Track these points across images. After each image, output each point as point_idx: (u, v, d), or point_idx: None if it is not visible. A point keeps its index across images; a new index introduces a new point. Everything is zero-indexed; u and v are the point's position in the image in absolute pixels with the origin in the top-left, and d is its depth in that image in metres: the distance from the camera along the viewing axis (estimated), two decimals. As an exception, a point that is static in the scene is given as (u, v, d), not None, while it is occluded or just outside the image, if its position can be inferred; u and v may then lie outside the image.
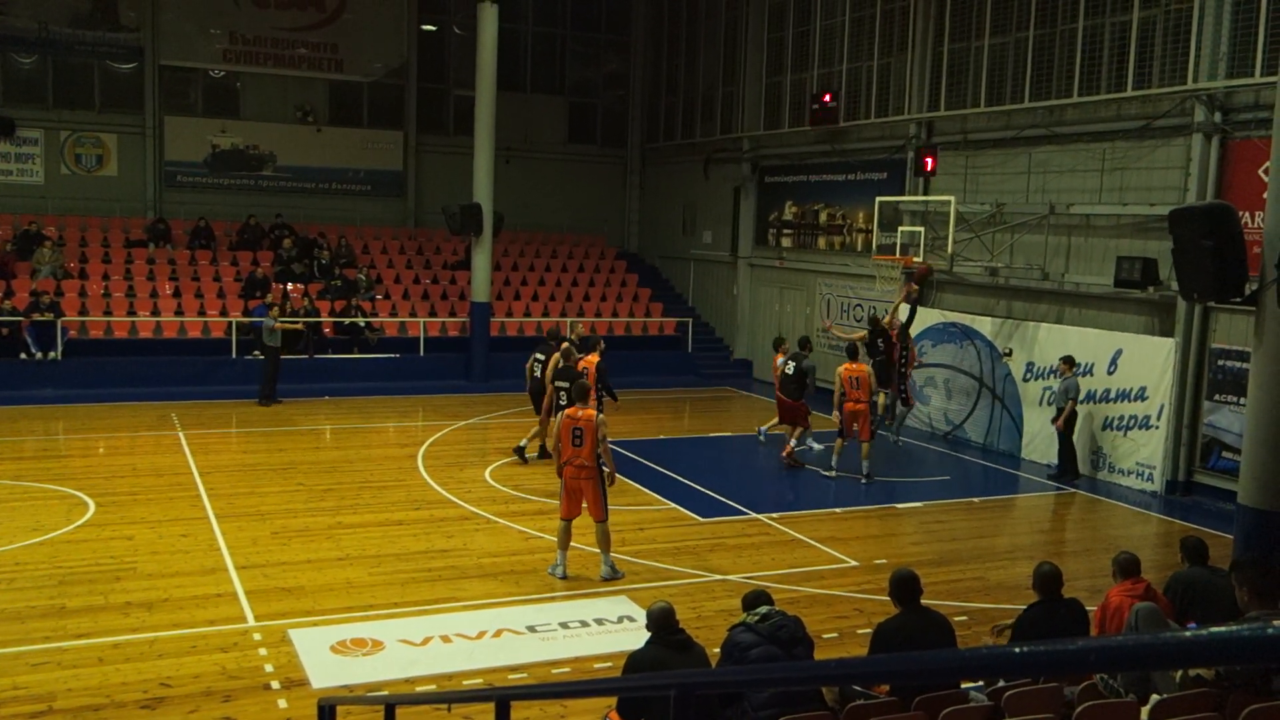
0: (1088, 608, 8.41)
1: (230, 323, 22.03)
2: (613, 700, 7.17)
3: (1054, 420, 16.12)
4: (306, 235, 25.55)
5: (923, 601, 6.78)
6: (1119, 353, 16.03)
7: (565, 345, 15.01)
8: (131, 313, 22.25)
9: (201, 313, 22.68)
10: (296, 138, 26.77)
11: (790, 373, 16.74)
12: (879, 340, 17.26)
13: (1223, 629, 1.29)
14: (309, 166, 26.90)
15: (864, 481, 15.33)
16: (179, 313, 22.56)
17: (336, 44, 26.83)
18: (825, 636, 9.30)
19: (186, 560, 10.86)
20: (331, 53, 26.84)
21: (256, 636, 9.04)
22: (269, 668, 8.43)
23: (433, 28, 28.09)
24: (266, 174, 26.69)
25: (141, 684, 8.03)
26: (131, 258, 23.86)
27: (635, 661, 6.39)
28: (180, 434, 16.85)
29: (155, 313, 22.34)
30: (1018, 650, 1.63)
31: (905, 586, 6.65)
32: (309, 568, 10.81)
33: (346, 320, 23.02)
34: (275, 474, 14.68)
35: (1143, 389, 15.66)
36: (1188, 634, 1.36)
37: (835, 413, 15.78)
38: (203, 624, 9.24)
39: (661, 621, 6.45)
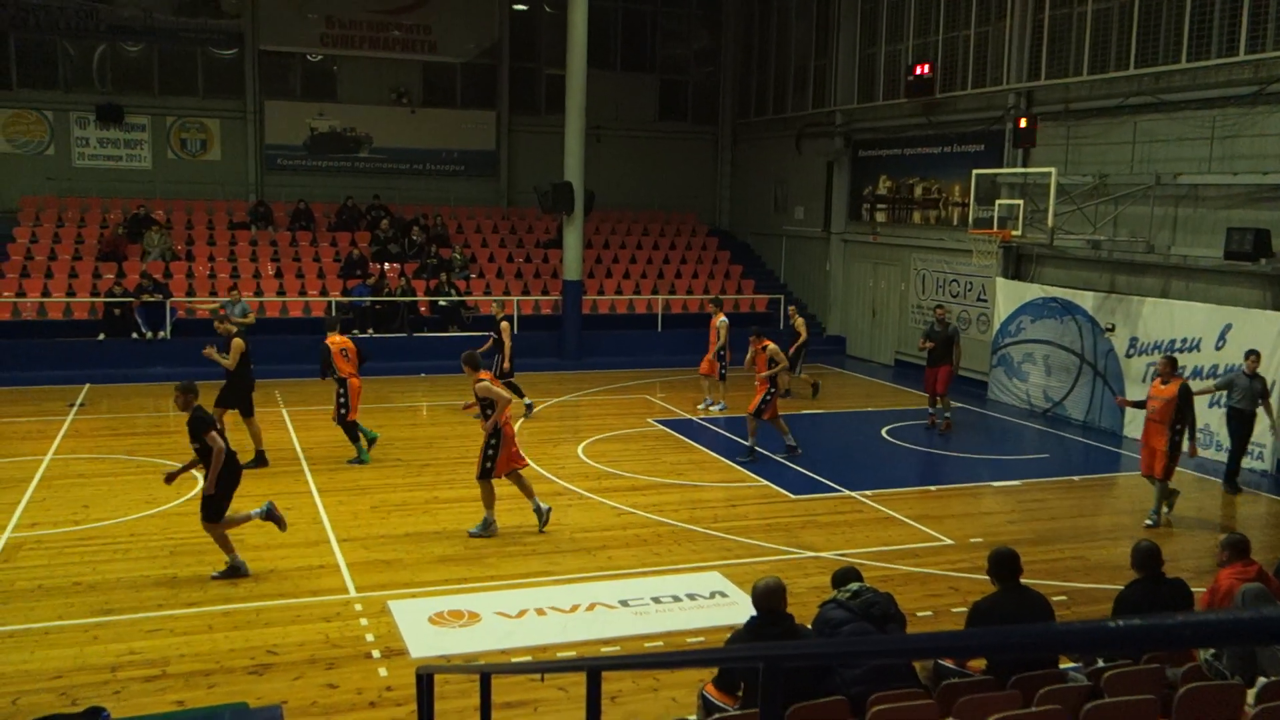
0: (1195, 589, 8.20)
1: (330, 302, 22.55)
2: (705, 674, 7.23)
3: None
4: (402, 216, 26.01)
5: (1022, 580, 6.67)
6: (1228, 327, 15.48)
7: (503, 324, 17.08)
8: (235, 293, 22.89)
9: (302, 293, 23.26)
10: (392, 119, 27.22)
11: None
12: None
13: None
14: (404, 148, 27.35)
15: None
16: (281, 293, 23.18)
17: (430, 25, 27.16)
18: (920, 615, 9.21)
19: (291, 533, 11.14)
20: (425, 34, 27.19)
21: (358, 607, 9.29)
22: (370, 637, 8.67)
23: (524, 7, 28.26)
24: (363, 156, 27.22)
25: (249, 651, 8.32)
26: (235, 239, 24.57)
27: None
28: (283, 410, 17.33)
29: (258, 293, 22.97)
30: (1110, 625, 1.60)
31: (1005, 564, 6.52)
32: (407, 541, 11.06)
33: (442, 299, 23.38)
34: (374, 450, 15.00)
35: (1254, 365, 15.08)
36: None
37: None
38: (306, 594, 9.53)
39: (768, 598, 6.00)
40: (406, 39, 27.11)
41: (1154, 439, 12.01)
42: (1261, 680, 5.26)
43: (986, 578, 6.78)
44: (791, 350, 18.71)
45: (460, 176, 27.99)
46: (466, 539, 11.15)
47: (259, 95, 26.31)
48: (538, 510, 11.44)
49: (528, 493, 11.50)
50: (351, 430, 14.33)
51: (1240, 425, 13.80)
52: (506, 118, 28.19)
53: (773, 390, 14.70)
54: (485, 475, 11.18)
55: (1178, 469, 12.45)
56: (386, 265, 24.17)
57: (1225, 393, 14.05)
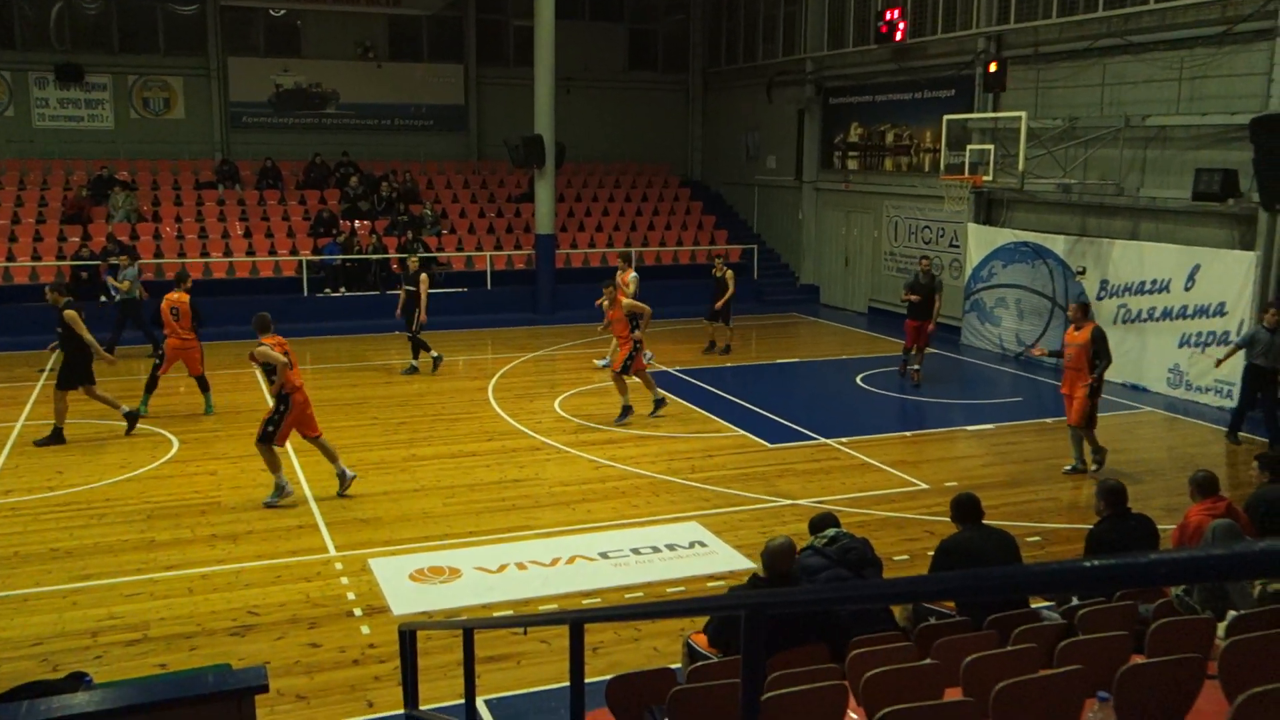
0: (1165, 526, 8.33)
1: (301, 261, 22.36)
2: (687, 623, 7.30)
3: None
4: (371, 172, 25.74)
5: (988, 521, 6.80)
6: (1197, 268, 15.61)
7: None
8: (204, 254, 22.69)
9: (272, 252, 23.04)
10: (358, 74, 26.84)
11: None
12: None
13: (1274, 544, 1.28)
14: (371, 103, 26.99)
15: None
16: (250, 253, 22.95)
17: (394, -23, 26.72)
18: (896, 559, 9.32)
19: (268, 494, 11.17)
20: (389, -13, 26.75)
21: (338, 566, 9.31)
22: (351, 595, 8.70)
23: (489, -43, 27.82)
24: (330, 112, 26.85)
25: (230, 612, 8.34)
26: (202, 199, 24.26)
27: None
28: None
29: (227, 253, 22.74)
30: (1086, 564, 1.63)
31: (965, 507, 6.72)
32: (386, 499, 11.07)
33: (411, 256, 23.19)
34: (349, 409, 14.98)
35: (1221, 304, 15.26)
36: (1256, 546, 1.35)
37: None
38: (286, 555, 9.54)
39: (777, 560, 5.91)
40: (370, -9, 26.67)
41: (1072, 386, 11.93)
42: (1231, 614, 5.36)
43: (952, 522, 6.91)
44: (719, 305, 18.76)
45: (429, 131, 27.68)
46: (445, 496, 11.16)
47: (222, 52, 25.86)
48: (340, 475, 11.13)
49: (331, 457, 11.16)
50: (149, 384, 14.50)
51: (1255, 381, 13.08)
52: (474, 71, 27.85)
53: (638, 345, 14.21)
54: (264, 439, 10.74)
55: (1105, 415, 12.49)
56: (357, 223, 23.96)
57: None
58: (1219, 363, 13.75)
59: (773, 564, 5.90)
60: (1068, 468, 12.19)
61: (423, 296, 17.04)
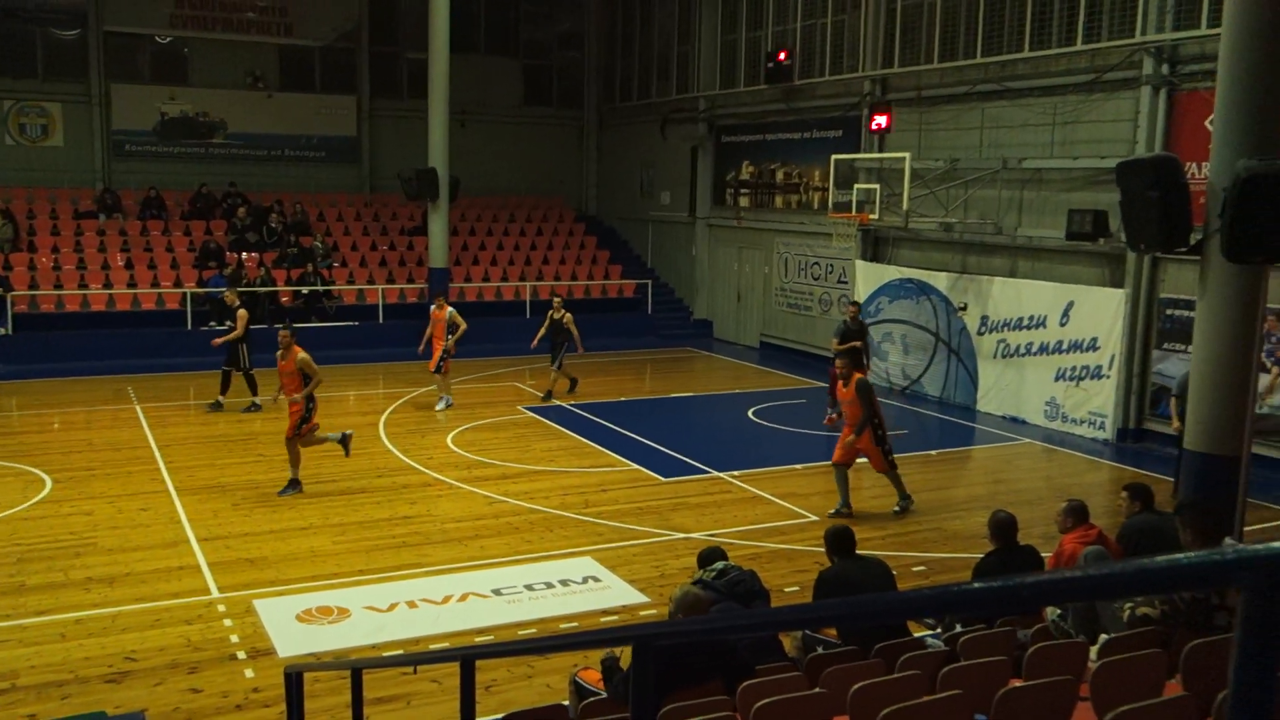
0: (1043, 554, 8.60)
1: (185, 293, 21.77)
2: (579, 658, 7.27)
3: None
4: (260, 204, 25.24)
5: (864, 552, 7.01)
6: (1071, 304, 16.27)
7: None
8: (83, 285, 21.95)
9: (155, 284, 22.40)
10: (247, 104, 26.37)
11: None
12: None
13: (1132, 563, 1.36)
14: (261, 133, 26.53)
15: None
16: (132, 284, 22.27)
17: (285, 7, 26.39)
18: (787, 590, 9.44)
19: (147, 534, 10.82)
20: (281, 16, 26.41)
21: (221, 608, 9.04)
22: (234, 638, 8.44)
23: (383, -10, 27.68)
24: (217, 142, 26.30)
25: (105, 658, 8.01)
26: (81, 229, 23.49)
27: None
28: (137, 407, 16.69)
29: (108, 285, 22.03)
30: (956, 589, 1.70)
31: (840, 539, 6.89)
32: (272, 538, 10.80)
33: (304, 289, 22.82)
34: (235, 445, 14.60)
35: (1094, 340, 15.92)
36: (1114, 568, 1.43)
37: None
38: (166, 597, 9.22)
39: (688, 608, 6.00)
40: (262, 21, 26.27)
41: (861, 440, 11.69)
42: (1103, 637, 5.57)
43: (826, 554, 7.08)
44: (559, 349, 17.78)
45: (321, 163, 27.31)
46: (334, 534, 10.94)
47: (104, 78, 25.14)
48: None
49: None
50: None
51: None
52: (367, 103, 27.61)
53: (308, 412, 12.49)
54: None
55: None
56: (244, 254, 23.45)
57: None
58: (1177, 428, 11.87)
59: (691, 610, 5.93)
60: (832, 511, 11.79)
61: (239, 332, 16.57)
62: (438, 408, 17.02)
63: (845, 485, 11.91)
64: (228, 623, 8.73)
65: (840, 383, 12.05)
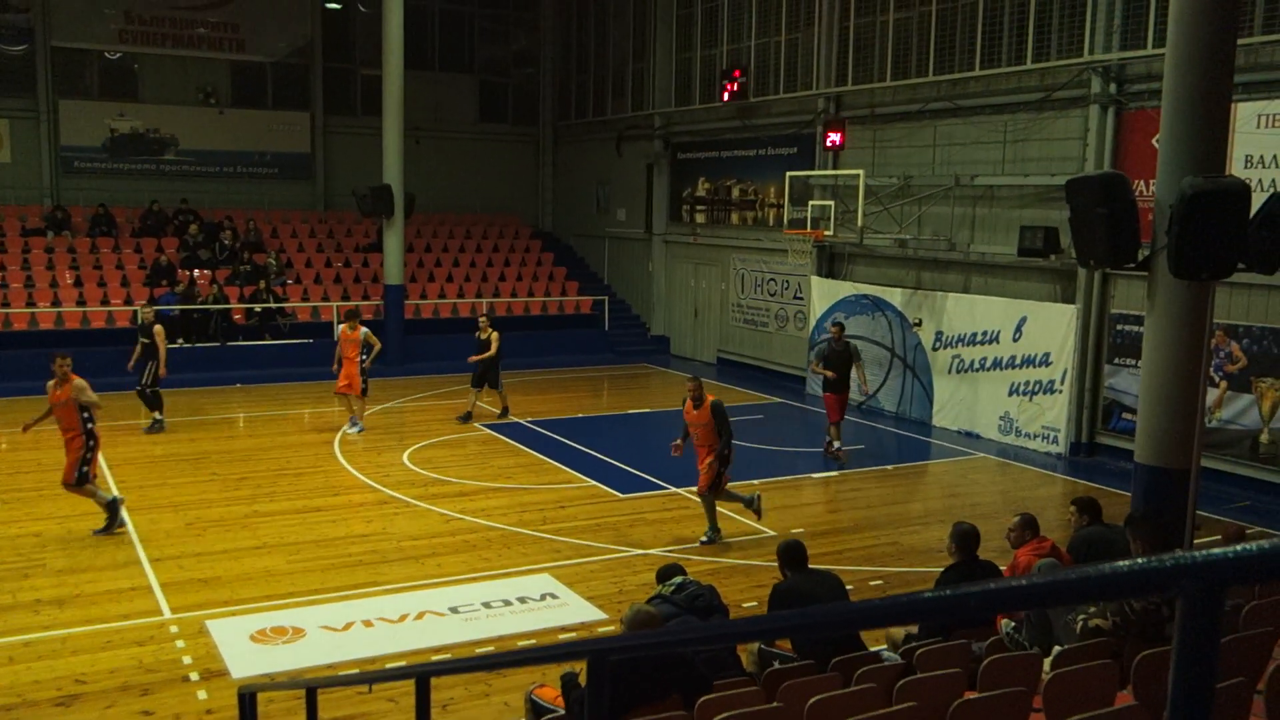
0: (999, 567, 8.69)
1: (135, 311, 21.47)
2: (536, 675, 7.24)
3: None
4: (213, 220, 24.99)
5: (818, 566, 7.07)
6: (1024, 320, 16.49)
7: None
8: (31, 304, 21.58)
9: (105, 302, 22.08)
10: (199, 120, 26.11)
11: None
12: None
13: (1075, 571, 1.39)
14: (213, 150, 26.27)
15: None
16: (81, 303, 21.93)
17: (238, 23, 26.19)
18: (745, 605, 9.46)
19: (97, 555, 10.64)
20: (232, 32, 26.20)
21: (173, 629, 8.90)
22: (187, 659, 8.32)
23: (337, 5, 27.58)
24: (169, 158, 26.01)
25: (55, 681, 7.86)
26: (29, 247, 23.10)
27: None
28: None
29: (56, 303, 21.69)
30: (905, 599, 1.72)
31: (792, 553, 6.95)
32: (225, 558, 10.66)
33: (257, 306, 22.60)
34: (187, 464, 14.41)
35: (1046, 355, 16.14)
36: (1058, 577, 1.46)
37: None
38: (116, 619, 9.07)
39: (639, 624, 6.03)
40: (213, 37, 26.06)
41: (702, 460, 11.47)
42: (1056, 649, 5.64)
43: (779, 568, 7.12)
44: (483, 368, 17.33)
45: (274, 179, 27.08)
46: (289, 553, 10.82)
47: (52, 94, 24.78)
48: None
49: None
50: None
51: None
52: (321, 119, 27.44)
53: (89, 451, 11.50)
54: None
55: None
56: (196, 272, 23.19)
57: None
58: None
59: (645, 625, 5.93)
60: (703, 539, 11.43)
61: (161, 349, 16.28)
62: (348, 430, 16.33)
63: (731, 498, 11.72)
64: (180, 644, 8.60)
65: (691, 404, 11.52)
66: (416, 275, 25.34)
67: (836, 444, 15.30)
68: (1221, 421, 13.86)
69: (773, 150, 22.15)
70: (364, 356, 16.32)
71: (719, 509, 11.68)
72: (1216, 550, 1.25)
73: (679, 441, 11.92)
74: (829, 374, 15.11)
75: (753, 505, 11.69)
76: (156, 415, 16.44)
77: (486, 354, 17.33)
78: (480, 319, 17.99)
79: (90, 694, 7.69)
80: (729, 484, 11.68)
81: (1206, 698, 1.29)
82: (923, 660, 5.52)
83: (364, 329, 16.52)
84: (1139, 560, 1.36)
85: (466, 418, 17.36)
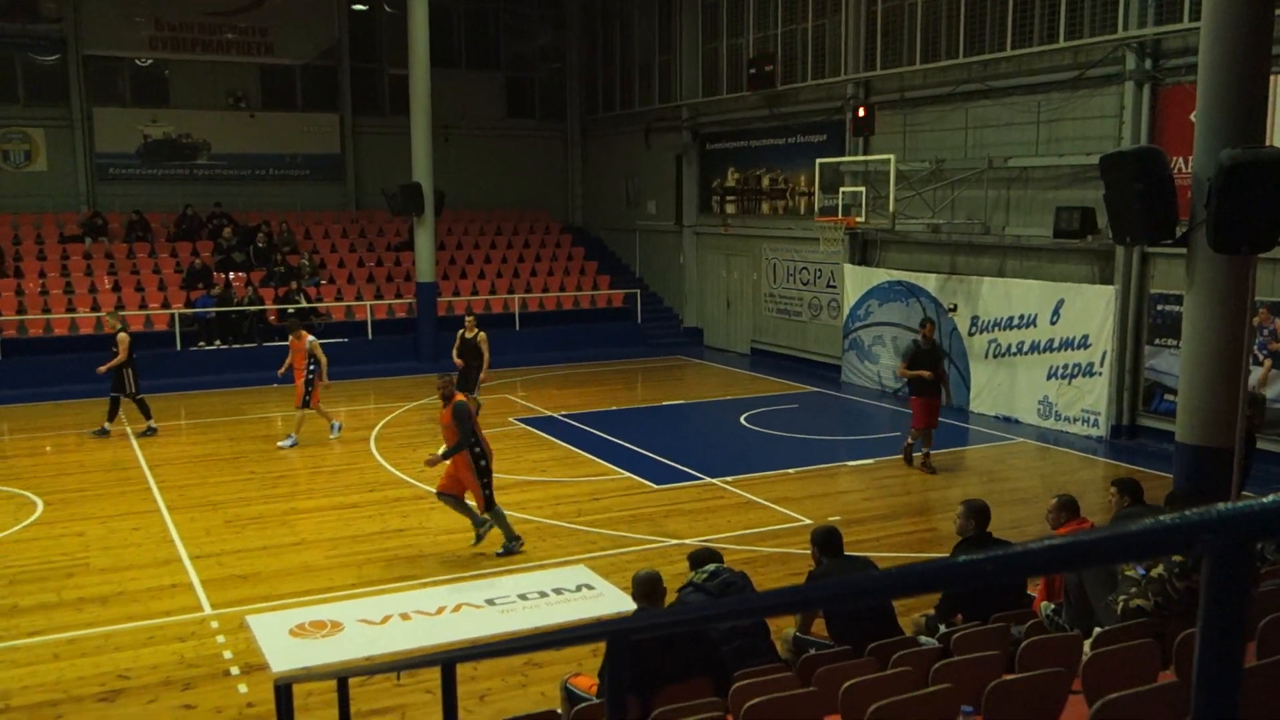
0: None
1: (173, 314, 21.72)
2: (572, 666, 7.24)
3: None
4: (246, 223, 25.21)
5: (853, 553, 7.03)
6: (1061, 302, 16.28)
7: None
8: (71, 309, 21.89)
9: (143, 306, 22.33)
10: (230, 124, 26.35)
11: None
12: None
13: (1095, 531, 1.35)
14: (244, 153, 26.51)
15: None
16: (119, 306, 22.18)
17: (266, 27, 26.39)
18: (781, 593, 9.40)
19: (139, 553, 10.76)
20: (261, 36, 26.40)
21: (214, 625, 8.99)
22: (228, 654, 8.39)
23: (363, 7, 27.73)
24: (201, 163, 26.27)
25: (98, 677, 7.96)
26: (67, 254, 23.42)
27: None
28: (128, 428, 16.62)
29: (95, 308, 21.95)
30: (921, 569, 1.68)
31: (828, 539, 6.88)
32: (264, 554, 10.74)
33: (291, 307, 22.77)
34: (226, 464, 14.54)
35: (1085, 337, 15.93)
36: (1080, 537, 1.41)
37: None
38: (158, 615, 9.16)
39: (647, 590, 6.13)
40: (241, 41, 26.27)
41: (457, 467, 10.65)
42: (1096, 630, 5.55)
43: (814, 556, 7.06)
44: (478, 372, 16.20)
45: (305, 181, 27.28)
46: (327, 549, 10.89)
47: (86, 102, 25.10)
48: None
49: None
50: None
51: None
52: (350, 120, 27.60)
53: None
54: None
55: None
56: (231, 274, 23.41)
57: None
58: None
59: (650, 594, 6.00)
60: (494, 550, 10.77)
61: (121, 357, 15.89)
62: (282, 444, 15.39)
63: (466, 510, 10.81)
64: (220, 639, 8.68)
65: (443, 404, 10.69)
66: (449, 273, 25.44)
67: (926, 450, 13.93)
68: (1269, 401, 13.60)
69: (802, 138, 22.01)
70: (312, 368, 15.33)
71: (467, 508, 10.82)
72: (1241, 504, 1.20)
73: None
74: (924, 374, 13.51)
75: (478, 528, 10.72)
76: (106, 424, 16.14)
77: (484, 359, 16.23)
78: (466, 318, 16.89)
79: (133, 689, 7.77)
80: (466, 499, 10.78)
81: (1235, 659, 1.24)
82: (960, 644, 5.46)
83: (310, 338, 15.53)
84: (1164, 517, 1.31)
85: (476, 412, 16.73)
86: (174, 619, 9.10)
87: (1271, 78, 8.90)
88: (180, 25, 25.59)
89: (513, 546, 10.73)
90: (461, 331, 16.67)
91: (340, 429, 16.15)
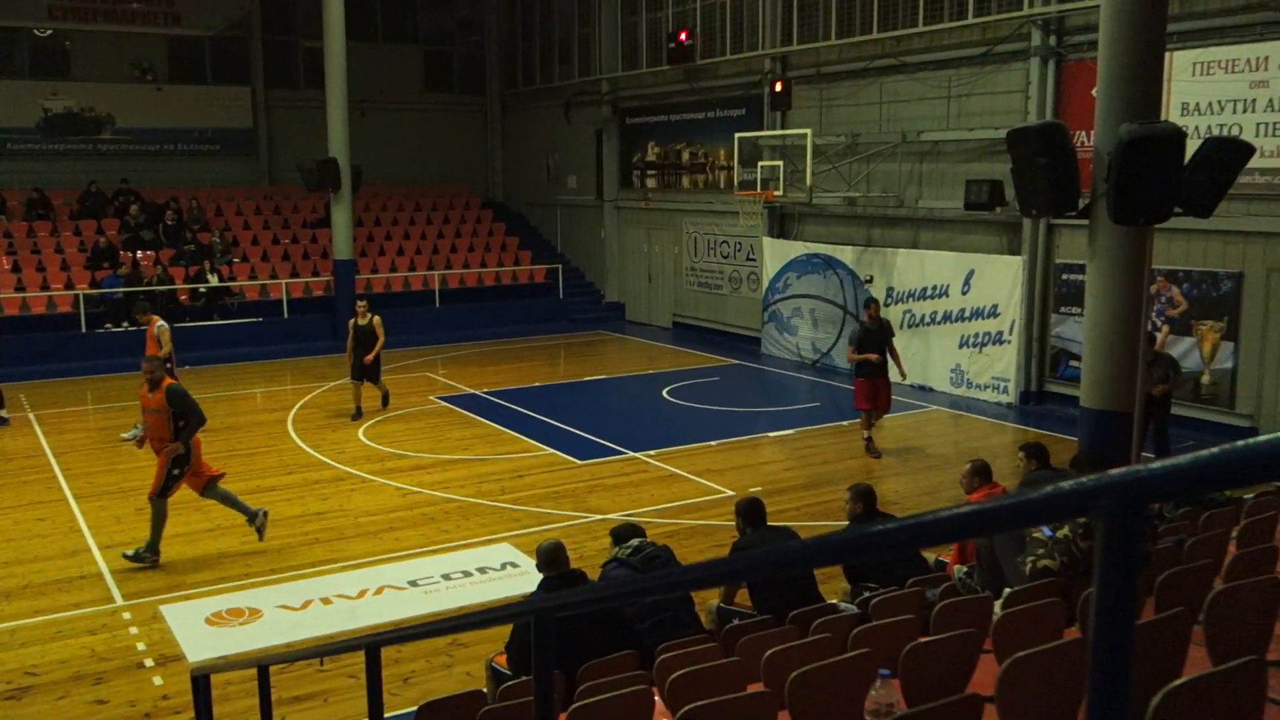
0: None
1: (78, 295, 21.08)
2: (497, 645, 7.23)
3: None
4: (154, 200, 24.51)
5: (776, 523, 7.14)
6: (972, 273, 16.62)
7: None
8: (-31, 292, 21.10)
9: (45, 287, 21.64)
10: (136, 97, 25.56)
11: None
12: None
13: (998, 499, 1.38)
14: (151, 128, 25.74)
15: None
16: (20, 288, 21.48)
17: (171, -3, 25.61)
18: (704, 565, 9.49)
19: (45, 544, 10.47)
20: (168, 6, 25.63)
21: (126, 616, 8.79)
22: (141, 646, 8.22)
23: (274, -23, 27.05)
24: (106, 137, 25.46)
25: (5, 675, 7.73)
26: (-36, 234, 22.57)
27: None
28: (30, 414, 16.13)
29: (-5, 290, 21.23)
30: (838, 539, 1.71)
31: (751, 510, 7.00)
32: (178, 541, 10.51)
33: (203, 287, 22.25)
34: (136, 450, 14.16)
35: (995, 306, 16.29)
36: (982, 506, 1.45)
37: None
38: (67, 608, 8.93)
39: (551, 558, 6.33)
40: (147, 11, 25.46)
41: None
42: (1006, 591, 5.71)
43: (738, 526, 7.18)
44: (369, 358, 15.34)
45: (216, 156, 26.61)
46: (243, 534, 10.70)
47: (-20, 75, 24.15)
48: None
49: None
50: None
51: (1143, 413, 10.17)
52: (263, 93, 26.96)
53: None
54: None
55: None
56: (139, 253, 22.78)
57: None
58: (1157, 390, 11.14)
59: (550, 560, 6.16)
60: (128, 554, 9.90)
61: None
62: (125, 435, 14.34)
63: (235, 503, 10.23)
64: (133, 631, 8.49)
65: (146, 388, 9.88)
66: (367, 249, 25.07)
67: (866, 433, 13.58)
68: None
69: (721, 112, 22.08)
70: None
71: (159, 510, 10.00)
72: (1131, 469, 1.24)
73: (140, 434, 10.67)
74: (872, 357, 13.13)
75: (255, 523, 10.08)
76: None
77: (378, 344, 15.39)
78: (358, 304, 15.86)
79: (41, 686, 7.57)
80: (210, 488, 10.19)
81: (1128, 618, 1.29)
82: (878, 609, 5.57)
83: (160, 323, 14.23)
84: (1063, 484, 1.35)
85: (357, 414, 15.53)
86: (84, 611, 8.88)
87: (1167, 54, 9.14)
88: (80, -5, 24.71)
89: (146, 556, 9.77)
90: (353, 320, 15.52)
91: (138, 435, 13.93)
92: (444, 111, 29.42)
